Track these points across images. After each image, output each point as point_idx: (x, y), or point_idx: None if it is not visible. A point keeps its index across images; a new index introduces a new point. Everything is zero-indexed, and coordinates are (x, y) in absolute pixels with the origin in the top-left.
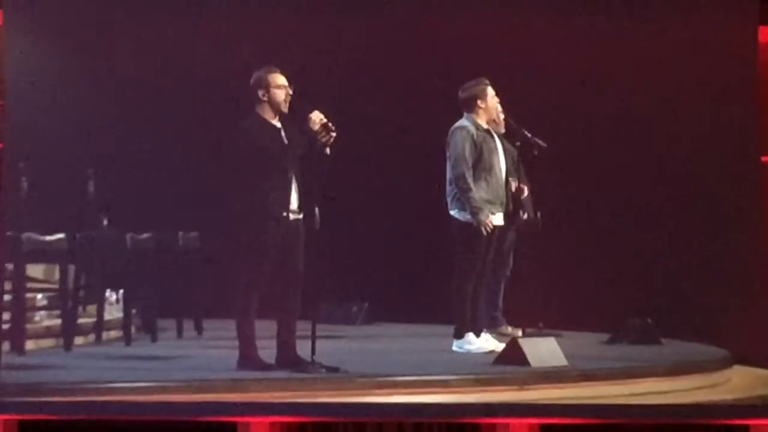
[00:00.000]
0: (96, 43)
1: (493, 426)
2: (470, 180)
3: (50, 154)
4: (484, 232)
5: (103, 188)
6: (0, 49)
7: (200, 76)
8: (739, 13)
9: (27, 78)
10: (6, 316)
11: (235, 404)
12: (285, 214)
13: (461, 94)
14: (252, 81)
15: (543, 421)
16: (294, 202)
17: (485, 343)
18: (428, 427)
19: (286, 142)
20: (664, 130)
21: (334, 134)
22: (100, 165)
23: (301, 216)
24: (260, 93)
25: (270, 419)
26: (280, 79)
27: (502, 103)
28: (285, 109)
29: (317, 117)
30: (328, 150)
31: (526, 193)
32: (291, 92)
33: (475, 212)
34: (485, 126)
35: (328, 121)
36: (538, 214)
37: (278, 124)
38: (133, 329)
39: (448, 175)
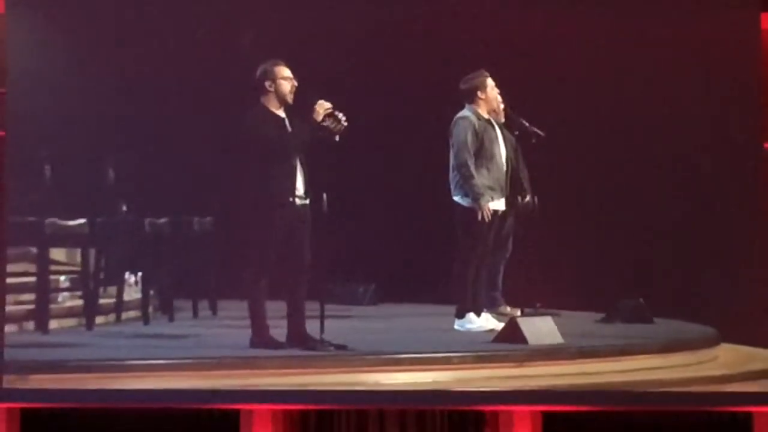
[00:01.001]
0: (101, 29)
1: (496, 414)
2: (472, 167)
3: (67, 142)
4: (486, 218)
5: (122, 176)
6: (1, 35)
7: (209, 67)
8: (741, 1)
9: (29, 65)
10: (30, 297)
11: (236, 392)
12: (291, 199)
13: (462, 86)
14: (258, 73)
15: (546, 408)
16: (300, 188)
17: (485, 322)
18: (431, 414)
19: (290, 131)
20: (660, 115)
21: (345, 123)
22: (118, 154)
23: (307, 201)
24: (266, 84)
25: (272, 407)
26: (286, 72)
27: (502, 93)
28: (290, 100)
29: (321, 107)
30: (337, 137)
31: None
32: (296, 84)
33: (477, 198)
34: (486, 116)
35: (335, 110)
36: (535, 199)
37: (282, 114)
38: (150, 309)
39: (451, 163)
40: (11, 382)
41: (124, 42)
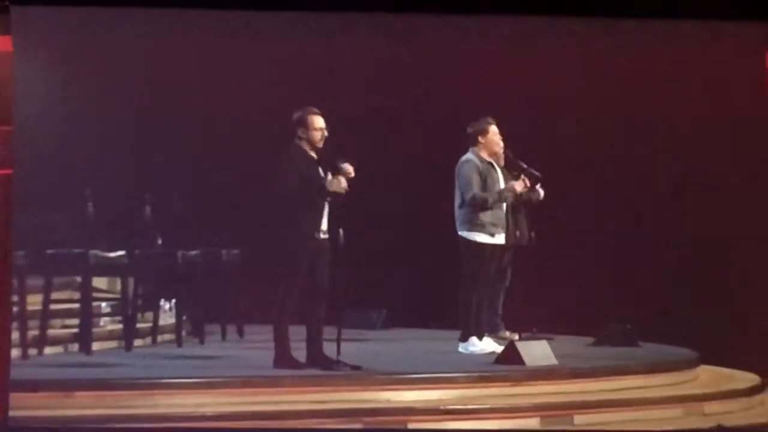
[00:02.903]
0: (122, 67)
1: None
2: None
3: (102, 178)
4: (520, 188)
5: (158, 212)
6: (8, 75)
7: (237, 107)
8: (748, 38)
9: (37, 103)
10: (75, 321)
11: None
12: (317, 235)
13: (468, 131)
14: (294, 118)
15: None
16: (324, 225)
17: (487, 345)
18: None
19: (322, 174)
20: (653, 156)
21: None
22: (154, 191)
23: (327, 236)
24: (299, 131)
25: None
26: (318, 122)
27: (504, 138)
28: (320, 145)
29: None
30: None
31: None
32: (326, 134)
33: (481, 232)
34: (488, 159)
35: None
36: (532, 234)
37: (315, 156)
38: (183, 333)
39: (457, 201)
40: (58, 399)
41: (144, 81)
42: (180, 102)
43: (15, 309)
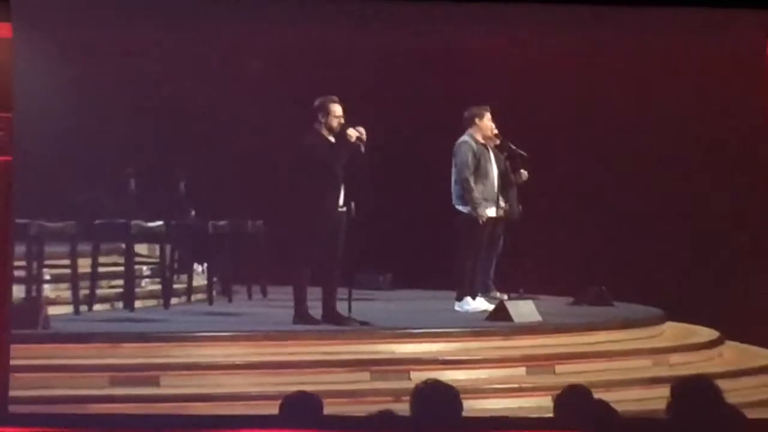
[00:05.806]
0: (128, 57)
1: None
2: (472, 182)
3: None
4: (481, 222)
5: (192, 187)
6: (8, 61)
7: (260, 90)
8: (749, 28)
9: (37, 91)
10: (119, 282)
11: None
12: (335, 210)
13: (465, 114)
14: (315, 104)
15: None
16: (341, 200)
17: (480, 304)
18: None
19: (338, 155)
20: (640, 137)
21: (364, 138)
22: (189, 168)
23: (345, 209)
24: (320, 116)
25: None
26: (338, 110)
27: (499, 124)
28: (338, 131)
29: (353, 133)
30: (362, 148)
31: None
32: (343, 122)
33: (475, 207)
34: (482, 141)
35: (360, 134)
36: (520, 207)
37: (333, 140)
38: (214, 293)
39: (454, 178)
40: (106, 349)
41: (151, 67)
42: (194, 89)
43: (68, 271)
